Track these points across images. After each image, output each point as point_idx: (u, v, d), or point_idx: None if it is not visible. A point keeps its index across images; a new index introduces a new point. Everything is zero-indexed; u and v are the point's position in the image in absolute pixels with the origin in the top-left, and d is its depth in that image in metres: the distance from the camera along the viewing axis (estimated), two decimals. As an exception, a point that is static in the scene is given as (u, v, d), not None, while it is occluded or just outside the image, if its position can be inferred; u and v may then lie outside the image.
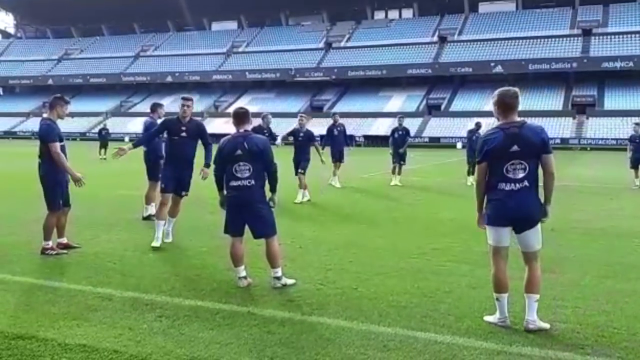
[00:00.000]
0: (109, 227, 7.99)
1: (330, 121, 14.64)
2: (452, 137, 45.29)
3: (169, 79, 61.43)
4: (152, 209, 8.62)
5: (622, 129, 40.32)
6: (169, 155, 7.01)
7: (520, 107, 4.22)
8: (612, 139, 41.60)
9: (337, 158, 13.91)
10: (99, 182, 13.10)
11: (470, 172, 14.63)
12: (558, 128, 44.35)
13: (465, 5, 58.65)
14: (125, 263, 5.97)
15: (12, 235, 7.32)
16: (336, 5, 62.50)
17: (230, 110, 28.68)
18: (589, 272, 5.69)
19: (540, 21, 53.46)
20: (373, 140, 45.04)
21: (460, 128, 43.93)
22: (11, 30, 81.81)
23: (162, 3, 62.60)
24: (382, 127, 45.89)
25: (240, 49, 63.66)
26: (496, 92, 4.25)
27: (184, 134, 6.82)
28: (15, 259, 6.08)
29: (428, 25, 58.63)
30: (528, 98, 46.18)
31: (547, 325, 4.10)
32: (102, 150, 25.44)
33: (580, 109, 46.81)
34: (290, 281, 5.17)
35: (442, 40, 56.08)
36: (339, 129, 14.18)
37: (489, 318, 4.25)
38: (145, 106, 50.78)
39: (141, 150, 8.33)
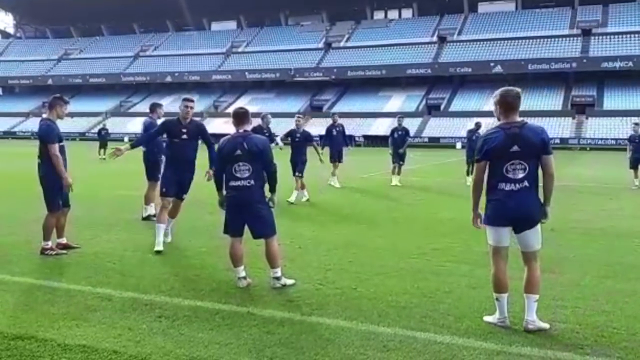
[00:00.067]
0: (108, 228, 7.98)
1: (329, 121, 14.68)
2: (451, 137, 45.26)
3: (169, 79, 61.41)
4: (151, 209, 8.64)
5: (622, 129, 40.34)
6: (169, 158, 6.84)
7: (520, 107, 4.21)
8: (611, 139, 41.63)
9: (336, 158, 13.92)
10: (99, 182, 13.11)
11: (469, 172, 14.66)
12: (557, 128, 44.34)
13: (464, 5, 58.65)
14: (125, 263, 5.96)
15: (11, 235, 7.32)
16: (336, 5, 62.50)
17: (230, 110, 28.87)
18: (589, 272, 5.70)
19: (539, 21, 53.45)
20: (373, 140, 45.05)
21: (459, 128, 43.93)
22: (11, 30, 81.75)
23: (161, 3, 62.59)
24: (382, 127, 45.90)
25: (239, 49, 63.63)
26: (498, 91, 4.22)
27: (184, 136, 6.67)
28: (15, 259, 6.08)
29: (427, 25, 58.62)
30: (528, 98, 46.10)
31: (546, 326, 4.10)
32: (102, 151, 25.50)
33: (580, 109, 46.82)
34: (289, 281, 5.17)
35: (442, 40, 56.07)
36: (338, 129, 14.21)
37: (488, 318, 4.25)
38: (144, 106, 50.58)
39: (140, 150, 8.31)
